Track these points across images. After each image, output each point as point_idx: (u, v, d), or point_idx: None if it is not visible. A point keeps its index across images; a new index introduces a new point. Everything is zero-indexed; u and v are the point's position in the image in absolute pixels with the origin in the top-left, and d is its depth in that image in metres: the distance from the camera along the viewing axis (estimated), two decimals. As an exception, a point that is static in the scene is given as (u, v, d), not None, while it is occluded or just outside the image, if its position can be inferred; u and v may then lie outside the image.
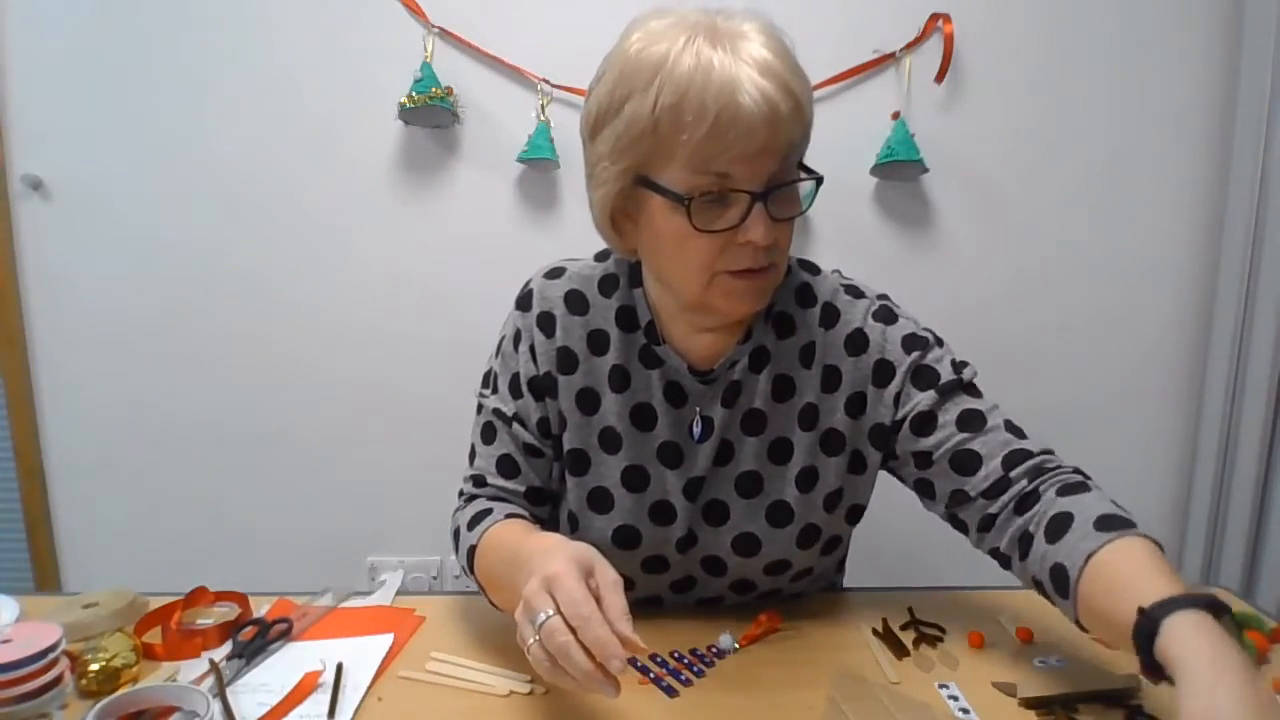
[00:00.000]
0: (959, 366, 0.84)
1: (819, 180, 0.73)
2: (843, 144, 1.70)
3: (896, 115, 1.68)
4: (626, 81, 0.70)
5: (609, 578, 0.61)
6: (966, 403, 0.81)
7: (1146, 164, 1.75)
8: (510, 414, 0.86)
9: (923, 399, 0.81)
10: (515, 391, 0.87)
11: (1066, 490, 0.75)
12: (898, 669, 0.79)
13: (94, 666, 0.72)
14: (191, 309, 1.75)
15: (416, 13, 1.65)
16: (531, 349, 0.86)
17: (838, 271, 0.90)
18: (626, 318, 0.85)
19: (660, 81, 0.68)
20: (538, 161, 1.67)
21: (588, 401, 0.85)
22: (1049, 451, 0.81)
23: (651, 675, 0.75)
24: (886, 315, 0.85)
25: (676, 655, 0.79)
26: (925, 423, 0.81)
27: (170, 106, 1.68)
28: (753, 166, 0.69)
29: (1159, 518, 1.89)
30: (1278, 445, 1.70)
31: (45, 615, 0.80)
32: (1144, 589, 0.59)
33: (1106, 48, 1.71)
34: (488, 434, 0.88)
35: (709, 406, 0.84)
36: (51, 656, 0.66)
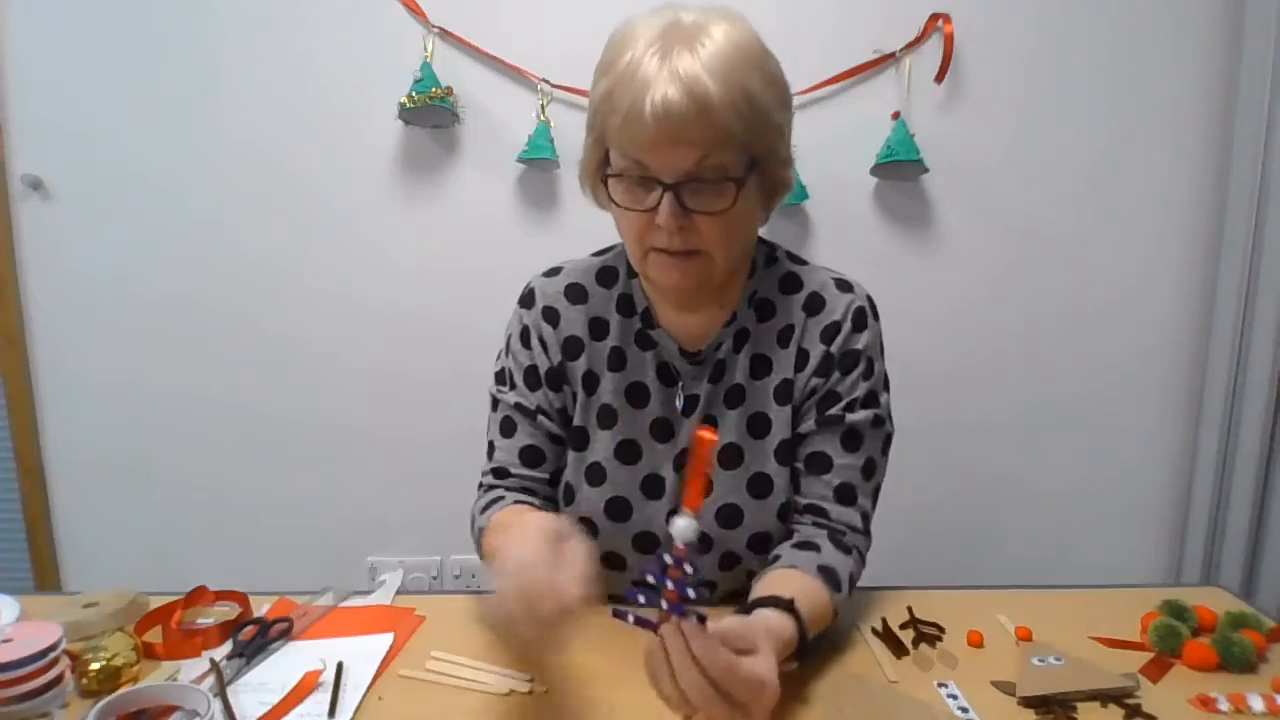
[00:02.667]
0: (855, 404, 0.87)
1: (738, 181, 0.78)
2: (843, 144, 1.70)
3: (896, 115, 1.68)
4: (599, 67, 0.80)
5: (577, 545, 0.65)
6: (830, 446, 0.87)
7: (1147, 163, 1.75)
8: (533, 407, 0.92)
9: (812, 422, 0.88)
10: (533, 384, 0.92)
11: (797, 545, 0.85)
12: (897, 668, 0.79)
13: (94, 666, 0.72)
14: (191, 310, 1.76)
15: (416, 13, 1.65)
16: (542, 341, 0.92)
17: (827, 269, 0.94)
18: (625, 305, 0.92)
19: (610, 74, 0.77)
20: (538, 161, 1.67)
21: (590, 382, 0.91)
22: (840, 530, 0.87)
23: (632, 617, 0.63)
24: (859, 321, 0.89)
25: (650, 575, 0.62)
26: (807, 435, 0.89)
27: (169, 107, 1.68)
28: (661, 158, 0.76)
29: (1159, 518, 1.89)
30: (1278, 445, 1.70)
31: (46, 615, 0.79)
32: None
33: (1107, 47, 1.71)
34: (507, 428, 0.93)
35: (695, 385, 0.90)
36: (52, 656, 0.66)
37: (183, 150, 1.70)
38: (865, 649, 0.83)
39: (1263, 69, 1.63)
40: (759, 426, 0.89)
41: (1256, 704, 0.72)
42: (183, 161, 1.71)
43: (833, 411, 0.87)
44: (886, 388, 0.92)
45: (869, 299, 0.91)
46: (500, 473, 0.93)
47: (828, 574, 0.80)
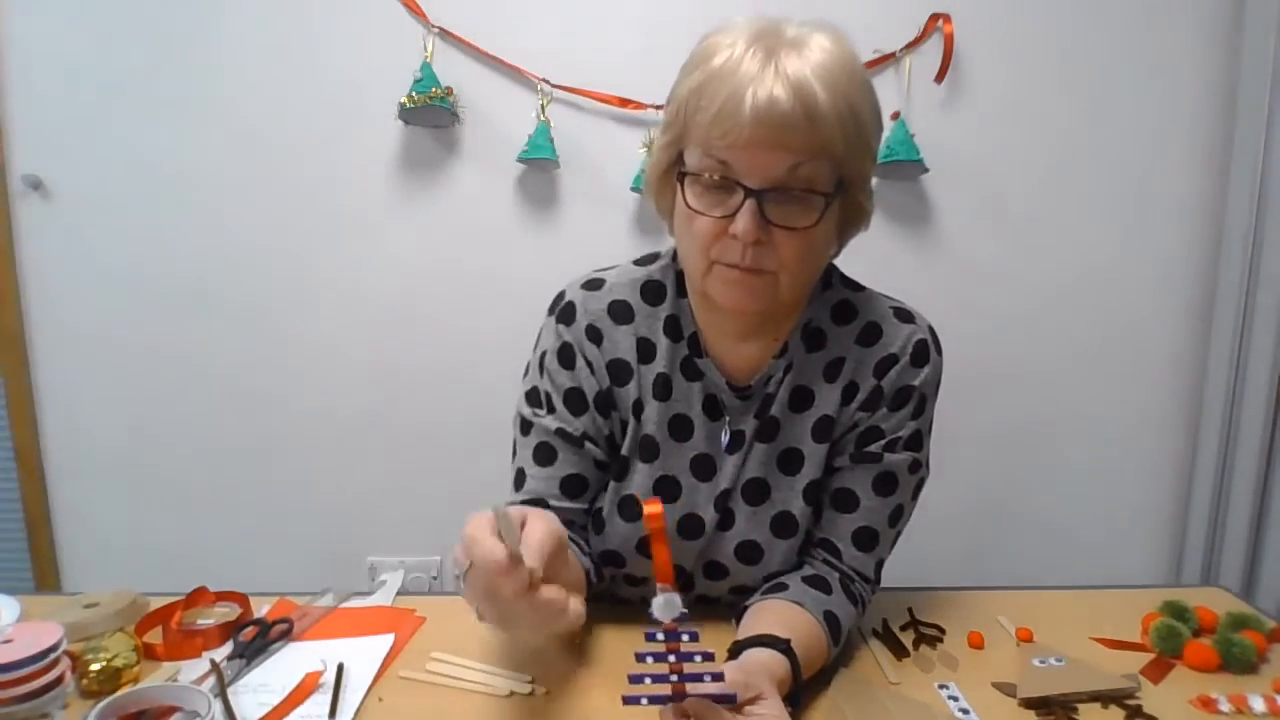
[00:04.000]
0: (897, 444, 0.82)
1: (827, 197, 0.72)
2: (843, 144, 1.70)
3: (896, 115, 1.68)
4: (687, 65, 0.75)
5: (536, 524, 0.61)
6: (861, 486, 0.83)
7: (1146, 164, 1.75)
8: (579, 433, 0.83)
9: (868, 452, 0.83)
10: (577, 408, 0.84)
11: (808, 580, 0.81)
12: (898, 670, 0.79)
13: (95, 666, 0.72)
14: (191, 309, 1.75)
15: (416, 13, 1.65)
16: (588, 363, 0.84)
17: (886, 296, 0.89)
18: (672, 327, 0.84)
19: (703, 69, 0.72)
20: (538, 161, 1.67)
21: (637, 410, 0.84)
22: (851, 575, 0.83)
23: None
24: (919, 355, 0.83)
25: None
26: (843, 467, 0.84)
27: (170, 107, 1.68)
28: (751, 161, 0.69)
29: (1159, 518, 1.89)
30: (1278, 445, 1.70)
31: (46, 615, 0.79)
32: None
33: (1107, 48, 1.71)
34: (544, 455, 0.84)
35: (742, 420, 0.84)
36: (53, 656, 0.66)
37: (182, 150, 1.70)
38: (866, 650, 0.83)
39: (1263, 69, 1.63)
40: (791, 463, 0.83)
41: (1257, 705, 0.72)
42: (182, 161, 1.70)
43: (871, 449, 0.82)
44: (930, 429, 0.86)
45: (931, 330, 0.85)
46: (537, 505, 0.79)
47: (831, 622, 0.77)
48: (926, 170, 1.69)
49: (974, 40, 1.69)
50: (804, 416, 0.83)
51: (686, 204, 0.73)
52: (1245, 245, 1.68)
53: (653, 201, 0.84)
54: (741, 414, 0.84)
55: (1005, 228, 1.77)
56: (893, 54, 1.68)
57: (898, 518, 0.84)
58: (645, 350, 0.84)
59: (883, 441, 0.82)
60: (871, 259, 1.72)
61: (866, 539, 0.82)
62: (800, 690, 0.70)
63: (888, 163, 1.65)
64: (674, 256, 0.86)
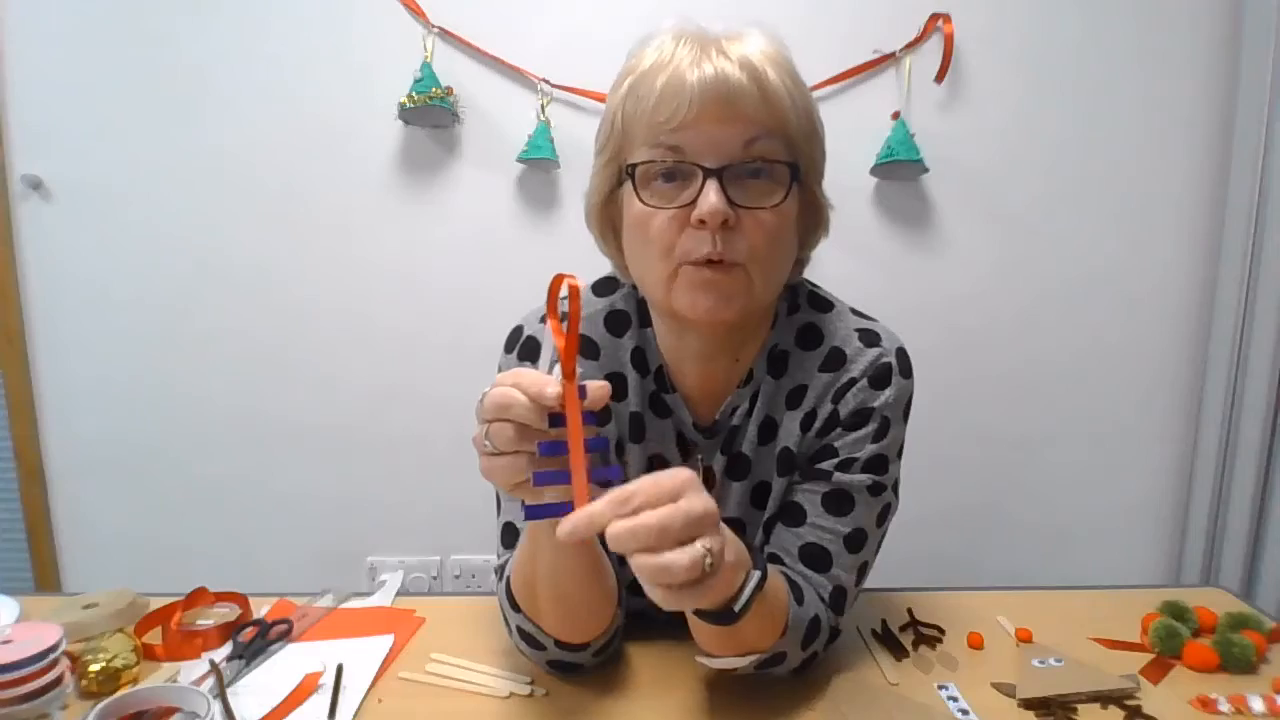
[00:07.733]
0: (852, 464, 0.76)
1: (793, 168, 0.68)
2: (843, 144, 1.68)
3: (896, 115, 1.68)
4: (618, 77, 0.73)
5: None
6: (809, 501, 0.77)
7: (1146, 164, 1.75)
8: None
9: (823, 467, 0.77)
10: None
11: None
12: (897, 670, 0.79)
13: (94, 667, 0.72)
14: (192, 309, 1.75)
15: (416, 13, 1.65)
16: None
17: (856, 312, 0.83)
18: (639, 360, 0.80)
19: (634, 73, 0.70)
20: (538, 161, 1.67)
21: (619, 453, 0.80)
22: (811, 593, 0.75)
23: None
24: (880, 378, 0.77)
25: None
26: (798, 490, 0.79)
27: (170, 107, 1.68)
28: (705, 137, 0.66)
29: (1159, 518, 1.89)
30: (1278, 446, 1.70)
31: (45, 615, 0.80)
32: None
33: (1107, 48, 1.71)
34: None
35: (710, 456, 0.81)
36: (52, 657, 0.66)
37: (182, 150, 1.70)
38: (865, 651, 0.83)
39: (1263, 69, 1.63)
40: (761, 497, 0.80)
41: (1257, 705, 0.72)
42: (182, 161, 1.70)
43: (822, 465, 0.76)
44: (899, 455, 0.80)
45: (899, 352, 0.79)
46: None
47: (791, 583, 0.72)
48: (926, 170, 1.69)
49: (974, 40, 1.69)
50: (770, 448, 0.80)
51: (641, 202, 0.69)
52: (1245, 245, 1.68)
53: (596, 235, 0.79)
54: (710, 449, 0.81)
55: (1005, 228, 1.77)
56: (893, 54, 1.68)
57: (858, 544, 0.76)
58: (617, 386, 0.79)
59: (836, 460, 0.76)
60: (872, 259, 1.75)
61: (816, 556, 0.75)
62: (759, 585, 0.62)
63: (888, 163, 1.65)
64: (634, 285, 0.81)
